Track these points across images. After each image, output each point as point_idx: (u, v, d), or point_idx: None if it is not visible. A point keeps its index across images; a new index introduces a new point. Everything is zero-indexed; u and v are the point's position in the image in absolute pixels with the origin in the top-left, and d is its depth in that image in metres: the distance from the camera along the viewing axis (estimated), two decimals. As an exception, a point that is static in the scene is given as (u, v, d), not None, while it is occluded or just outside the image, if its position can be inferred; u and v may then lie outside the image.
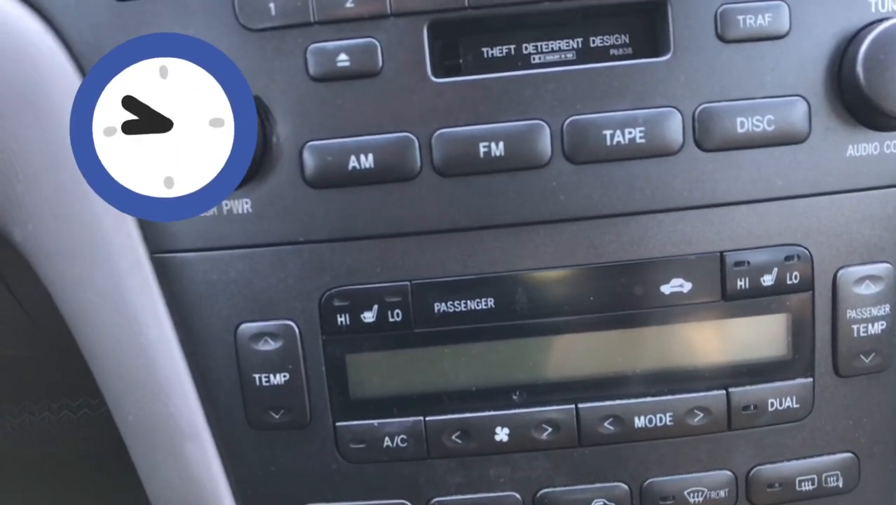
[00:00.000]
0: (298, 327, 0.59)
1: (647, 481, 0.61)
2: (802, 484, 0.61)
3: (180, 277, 0.59)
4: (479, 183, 0.56)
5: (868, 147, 0.57)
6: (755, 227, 0.58)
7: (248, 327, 0.59)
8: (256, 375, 0.59)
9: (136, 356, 0.60)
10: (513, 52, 0.59)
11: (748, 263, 0.58)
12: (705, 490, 0.61)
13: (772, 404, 0.59)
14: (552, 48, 0.59)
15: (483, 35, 0.59)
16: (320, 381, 0.59)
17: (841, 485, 0.62)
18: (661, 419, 0.59)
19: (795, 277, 0.58)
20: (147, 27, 0.56)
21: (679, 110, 0.56)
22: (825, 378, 0.60)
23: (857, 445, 0.62)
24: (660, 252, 0.58)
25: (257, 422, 0.60)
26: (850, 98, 0.55)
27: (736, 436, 0.60)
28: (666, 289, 0.58)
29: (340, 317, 0.58)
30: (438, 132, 0.56)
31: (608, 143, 0.55)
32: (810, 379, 0.60)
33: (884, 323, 0.59)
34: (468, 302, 0.58)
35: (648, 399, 0.59)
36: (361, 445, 0.60)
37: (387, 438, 0.60)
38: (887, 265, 0.59)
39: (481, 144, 0.55)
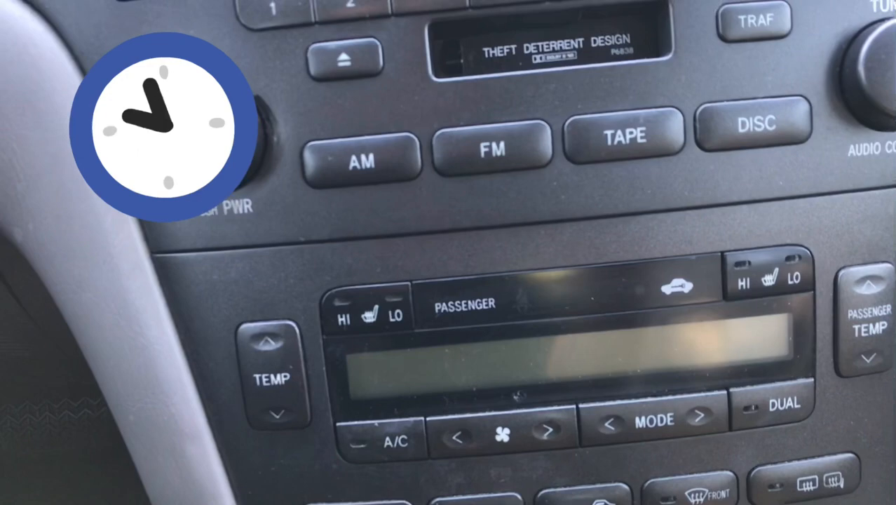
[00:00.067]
0: (299, 327, 0.59)
1: (648, 482, 0.61)
2: (803, 484, 0.61)
3: (181, 277, 0.59)
4: (479, 183, 0.56)
5: (869, 147, 0.57)
6: (756, 227, 0.58)
7: (248, 327, 0.59)
8: (257, 375, 0.59)
9: (137, 356, 0.60)
10: (514, 51, 0.59)
11: (749, 263, 0.58)
12: (706, 491, 0.61)
13: (773, 405, 0.59)
14: (553, 48, 0.59)
15: (484, 35, 0.59)
16: (321, 381, 0.59)
17: (842, 485, 0.62)
18: (661, 419, 0.59)
19: (796, 277, 0.58)
20: (148, 27, 0.56)
21: (680, 110, 0.56)
22: (826, 378, 0.60)
23: (859, 446, 0.62)
24: (661, 252, 0.58)
25: (258, 422, 0.60)
26: (852, 98, 0.55)
27: (737, 436, 0.60)
28: (667, 289, 0.58)
29: (341, 317, 0.58)
30: (439, 132, 0.56)
31: (609, 143, 0.55)
32: (811, 379, 0.60)
33: (885, 323, 0.59)
34: (469, 302, 0.58)
35: (649, 399, 0.59)
36: (362, 446, 0.60)
37: (387, 439, 0.60)
38: (888, 265, 0.59)
39: (482, 144, 0.55)
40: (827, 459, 0.61)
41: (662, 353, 0.59)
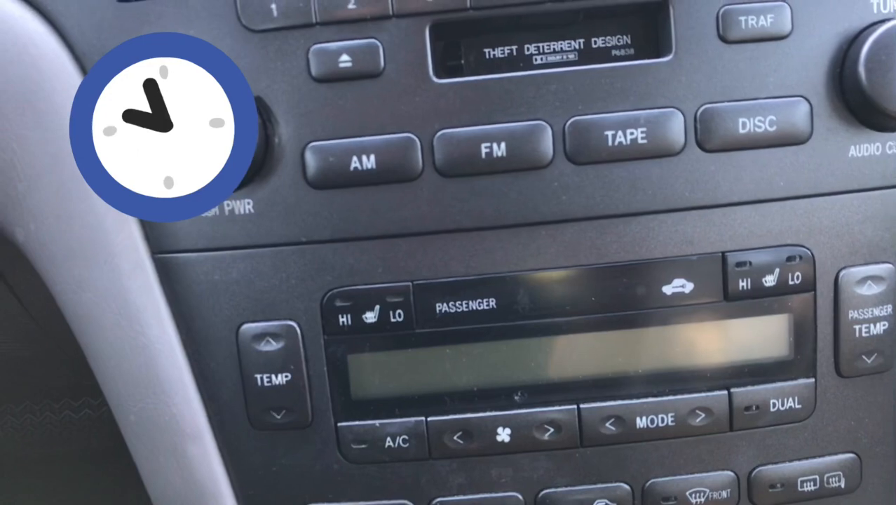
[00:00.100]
0: (300, 328, 0.59)
1: (649, 482, 0.61)
2: (804, 484, 0.61)
3: (182, 277, 0.59)
4: (480, 183, 0.56)
5: (870, 148, 0.57)
6: (757, 227, 0.58)
7: (249, 327, 0.59)
8: (258, 376, 0.59)
9: (138, 356, 0.60)
10: (514, 52, 0.59)
11: (750, 263, 0.58)
12: (707, 491, 0.61)
13: (774, 405, 0.59)
14: (554, 49, 0.59)
15: (485, 36, 0.59)
16: (322, 381, 0.59)
17: (843, 485, 0.62)
18: (662, 420, 0.59)
19: (797, 278, 0.58)
20: (149, 28, 0.56)
21: (681, 111, 0.56)
22: (827, 378, 0.60)
23: (859, 446, 0.62)
24: (661, 252, 0.58)
25: (259, 422, 0.60)
26: (852, 99, 0.55)
27: (738, 436, 0.60)
28: (668, 289, 0.58)
29: (342, 317, 0.58)
30: (440, 133, 0.56)
31: (610, 143, 0.55)
32: (812, 379, 0.60)
33: (886, 323, 0.59)
34: (470, 302, 0.58)
35: (650, 399, 0.59)
36: (363, 446, 0.60)
37: (388, 439, 0.60)
38: (889, 266, 0.59)
39: (483, 145, 0.55)
40: (828, 459, 0.61)
41: (663, 353, 0.59)
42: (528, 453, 0.60)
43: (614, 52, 0.59)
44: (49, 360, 1.09)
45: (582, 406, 0.59)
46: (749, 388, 0.59)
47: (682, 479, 0.61)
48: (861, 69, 0.53)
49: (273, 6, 0.55)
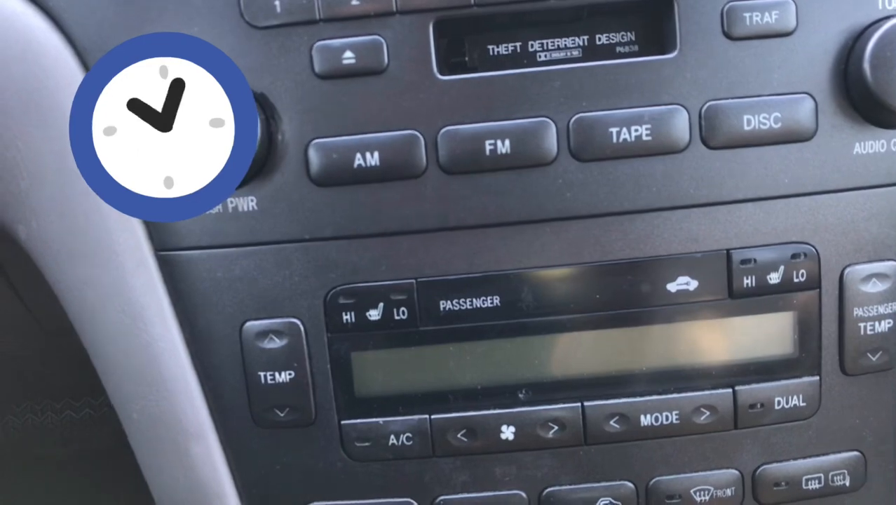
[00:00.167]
0: (304, 325, 0.58)
1: (653, 480, 0.61)
2: (809, 483, 0.61)
3: (185, 274, 0.59)
4: (484, 181, 0.56)
5: (875, 145, 0.57)
6: (762, 224, 0.57)
7: (253, 325, 0.59)
8: (262, 373, 0.59)
9: (141, 354, 0.60)
10: (519, 49, 0.59)
11: (755, 260, 0.58)
12: (711, 489, 0.60)
13: (778, 403, 0.59)
14: (558, 46, 0.59)
15: (489, 33, 0.59)
16: (325, 379, 0.59)
17: (847, 484, 0.61)
18: (667, 417, 0.59)
19: (802, 275, 0.58)
20: (152, 25, 0.56)
21: (685, 108, 0.55)
22: (832, 376, 0.60)
23: (864, 444, 0.61)
24: (666, 250, 0.58)
25: (262, 420, 0.60)
26: (857, 95, 0.55)
27: (742, 434, 0.60)
28: (672, 287, 0.58)
29: (346, 315, 0.58)
30: (444, 130, 0.56)
31: (614, 140, 0.55)
32: (817, 377, 0.60)
33: (891, 321, 0.59)
34: (474, 300, 0.58)
35: (654, 397, 0.59)
36: (367, 444, 0.60)
37: (392, 437, 0.59)
38: (894, 263, 0.59)
39: (487, 142, 0.55)
40: (832, 457, 0.61)
41: (668, 351, 0.59)
42: (532, 451, 0.60)
43: (619, 48, 0.59)
44: (50, 359, 1.09)
45: (586, 404, 0.59)
46: (753, 385, 0.59)
47: (687, 477, 0.61)
48: (866, 66, 0.53)
49: (276, 3, 0.55)
